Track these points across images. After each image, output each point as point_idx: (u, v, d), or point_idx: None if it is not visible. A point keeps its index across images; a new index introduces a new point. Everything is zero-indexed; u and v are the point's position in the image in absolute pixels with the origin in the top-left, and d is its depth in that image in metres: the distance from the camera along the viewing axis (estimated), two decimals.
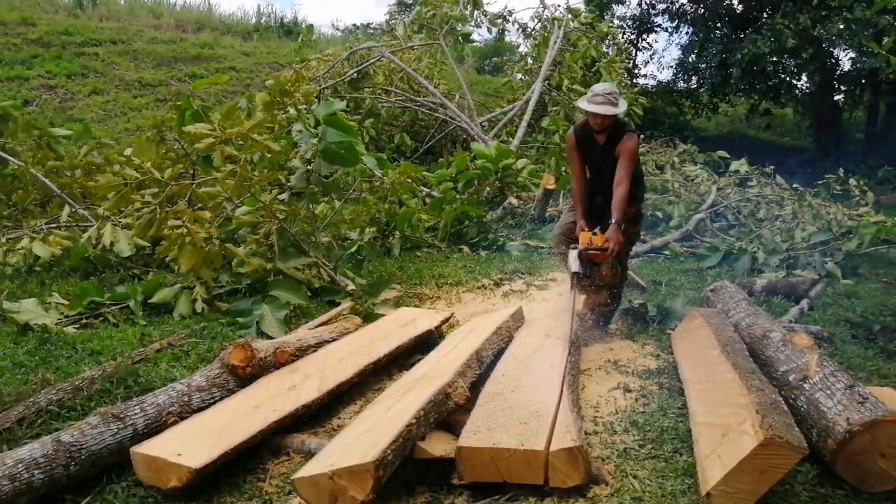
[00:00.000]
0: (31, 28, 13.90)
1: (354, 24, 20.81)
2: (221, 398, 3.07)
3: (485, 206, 8.04)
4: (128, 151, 5.49)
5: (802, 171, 11.35)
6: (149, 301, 4.57)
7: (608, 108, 3.87)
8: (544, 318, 4.28)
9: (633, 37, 18.20)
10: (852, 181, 8.95)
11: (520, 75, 12.82)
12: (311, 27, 12.71)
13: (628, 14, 18.23)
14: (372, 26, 19.36)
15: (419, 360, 3.66)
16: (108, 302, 4.54)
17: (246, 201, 5.02)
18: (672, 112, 17.62)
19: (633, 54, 17.55)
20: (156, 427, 2.74)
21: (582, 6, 14.81)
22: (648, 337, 4.34)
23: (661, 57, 26.11)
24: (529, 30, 12.62)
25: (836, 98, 16.54)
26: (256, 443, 2.73)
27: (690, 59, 16.80)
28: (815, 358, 2.95)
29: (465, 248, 7.01)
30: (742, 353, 3.26)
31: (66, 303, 4.48)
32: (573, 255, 3.82)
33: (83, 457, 2.48)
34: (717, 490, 2.25)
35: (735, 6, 16.38)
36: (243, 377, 3.21)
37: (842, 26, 12.92)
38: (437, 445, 2.61)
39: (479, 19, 11.74)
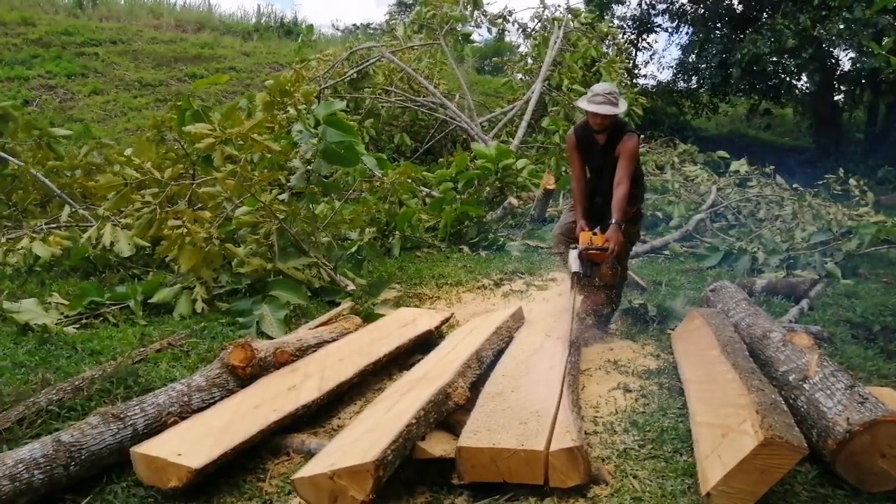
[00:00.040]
0: (31, 28, 13.90)
1: (354, 24, 20.85)
2: (221, 398, 3.07)
3: (485, 206, 8.04)
4: (128, 151, 5.49)
5: (802, 171, 11.36)
6: (149, 301, 4.57)
7: (608, 108, 3.87)
8: (544, 318, 4.28)
9: (633, 37, 18.21)
10: (852, 181, 8.95)
11: (520, 75, 12.82)
12: (311, 27, 12.71)
13: (628, 14, 18.28)
14: (372, 26, 19.38)
15: (419, 360, 3.66)
16: (108, 302, 4.54)
17: (246, 201, 5.02)
18: (672, 112, 17.62)
19: (633, 54, 17.56)
20: (156, 427, 2.74)
21: (582, 6, 14.84)
22: (648, 337, 4.34)
23: (661, 57, 26.20)
24: (529, 30, 12.64)
25: (836, 98, 16.55)
26: (256, 443, 2.73)
27: (690, 59, 16.81)
28: (815, 358, 2.95)
29: (465, 249, 7.01)
30: (742, 353, 3.26)
31: (66, 303, 4.48)
32: (573, 255, 3.82)
33: (83, 457, 2.48)
34: (717, 490, 2.25)
35: (735, 6, 16.40)
36: (243, 377, 3.21)
37: (842, 26, 12.93)
38: (437, 445, 2.61)
39: (479, 19, 11.74)
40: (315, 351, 3.70)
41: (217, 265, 4.76)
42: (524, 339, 3.84)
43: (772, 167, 10.05)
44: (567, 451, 2.41)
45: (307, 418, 3.08)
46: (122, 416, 2.67)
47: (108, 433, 2.59)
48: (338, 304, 4.66)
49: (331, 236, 5.57)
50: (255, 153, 5.11)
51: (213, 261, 4.66)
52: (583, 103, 4.01)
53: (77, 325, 4.25)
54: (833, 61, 15.39)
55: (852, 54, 14.42)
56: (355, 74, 10.60)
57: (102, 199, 5.07)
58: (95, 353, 3.77)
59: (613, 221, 3.79)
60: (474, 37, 12.67)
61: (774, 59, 14.37)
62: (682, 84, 17.79)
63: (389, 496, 2.42)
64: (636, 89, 13.16)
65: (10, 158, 6.33)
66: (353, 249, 5.91)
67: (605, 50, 12.19)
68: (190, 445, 2.54)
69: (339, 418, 3.22)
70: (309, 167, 5.01)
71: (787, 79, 15.41)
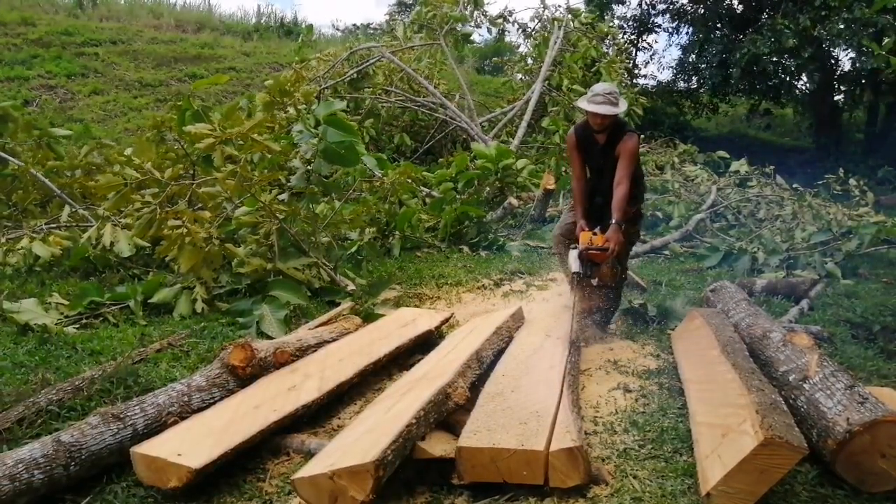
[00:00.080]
0: (31, 28, 13.90)
1: (354, 24, 20.84)
2: (221, 398, 3.07)
3: (485, 206, 8.04)
4: (128, 151, 5.50)
5: (802, 171, 11.36)
6: (149, 301, 4.57)
7: (608, 108, 3.87)
8: (544, 318, 4.28)
9: (633, 37, 18.20)
10: (852, 181, 8.96)
11: (520, 75, 12.83)
12: (311, 27, 12.71)
13: (628, 14, 18.27)
14: (372, 26, 19.35)
15: (419, 361, 3.66)
16: (108, 302, 4.53)
17: (246, 201, 5.02)
18: (672, 112, 17.62)
19: (633, 54, 17.55)
20: (156, 427, 2.74)
21: (582, 6, 14.84)
22: (648, 337, 4.34)
23: (661, 57, 26.04)
24: (529, 30, 12.64)
25: (836, 98, 16.54)
26: (256, 443, 2.73)
27: (690, 60, 16.81)
28: (815, 358, 2.95)
29: (465, 249, 7.01)
30: (742, 353, 3.26)
31: (66, 303, 4.48)
32: (573, 255, 3.83)
33: (83, 457, 2.48)
34: (717, 490, 2.25)
35: (735, 6, 16.40)
36: (243, 377, 3.21)
37: (842, 26, 12.92)
38: (437, 445, 2.61)
39: (479, 19, 11.74)
40: (315, 351, 3.70)
41: (217, 265, 4.76)
42: (524, 339, 3.84)
43: (772, 167, 10.06)
44: (567, 451, 2.41)
45: (307, 418, 3.08)
46: (122, 416, 2.67)
47: (108, 433, 2.59)
48: (338, 304, 4.65)
49: (331, 236, 5.57)
50: (255, 153, 5.12)
51: (213, 261, 4.66)
52: (583, 103, 4.01)
53: (77, 325, 4.25)
54: (833, 61, 15.40)
55: (852, 54, 14.41)
56: (355, 74, 10.60)
57: (102, 199, 5.07)
58: (95, 353, 3.77)
59: (613, 221, 3.79)
60: (474, 37, 12.68)
61: (774, 59, 14.36)
62: (682, 84, 17.79)
63: (389, 496, 2.42)
64: (636, 89, 13.17)
65: (10, 158, 6.33)
66: (353, 249, 5.92)
67: (605, 50, 12.19)
68: (190, 445, 2.54)
69: (339, 418, 3.22)
70: (309, 167, 5.01)
71: (787, 79, 15.41)
